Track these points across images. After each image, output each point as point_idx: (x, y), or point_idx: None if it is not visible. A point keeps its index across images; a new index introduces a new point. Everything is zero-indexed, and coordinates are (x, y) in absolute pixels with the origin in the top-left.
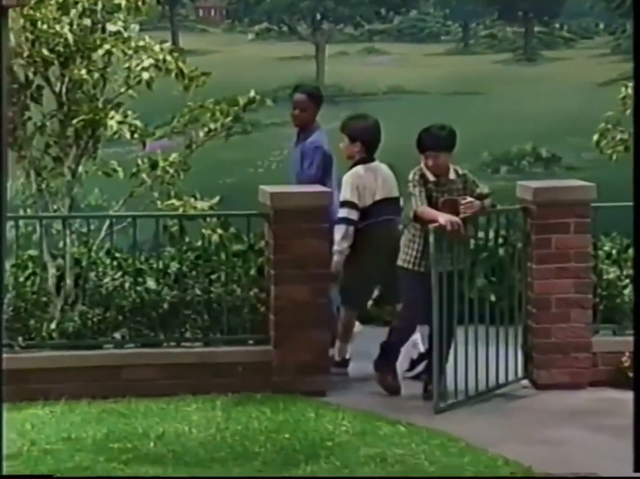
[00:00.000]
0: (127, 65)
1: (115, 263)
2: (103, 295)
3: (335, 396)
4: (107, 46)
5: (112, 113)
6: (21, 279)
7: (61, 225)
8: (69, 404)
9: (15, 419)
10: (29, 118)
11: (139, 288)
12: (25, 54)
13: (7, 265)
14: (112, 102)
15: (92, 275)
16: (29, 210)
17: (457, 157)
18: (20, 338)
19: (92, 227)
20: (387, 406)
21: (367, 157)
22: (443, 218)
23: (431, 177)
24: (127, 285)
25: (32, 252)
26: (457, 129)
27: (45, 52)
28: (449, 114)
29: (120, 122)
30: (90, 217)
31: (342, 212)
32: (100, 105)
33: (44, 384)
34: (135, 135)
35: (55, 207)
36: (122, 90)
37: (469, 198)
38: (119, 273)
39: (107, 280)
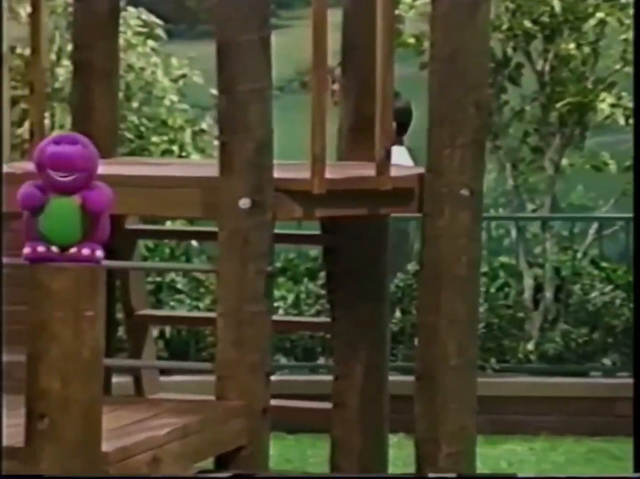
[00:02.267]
0: (624, 37)
1: (603, 274)
2: (589, 312)
3: None
4: (600, 14)
5: (603, 94)
6: (492, 290)
7: (539, 227)
8: (551, 440)
9: (488, 455)
10: (506, 102)
11: (632, 305)
12: (505, 26)
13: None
14: (604, 82)
15: (575, 287)
16: (501, 210)
17: None
18: (493, 360)
19: (575, 231)
20: None
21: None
22: None
23: None
24: (617, 301)
25: (504, 259)
26: None
27: (527, 23)
28: None
29: (612, 105)
30: (575, 219)
31: None
32: (589, 85)
33: (520, 415)
34: (630, 121)
35: (532, 207)
36: (617, 67)
37: None
38: (609, 287)
39: (594, 294)
